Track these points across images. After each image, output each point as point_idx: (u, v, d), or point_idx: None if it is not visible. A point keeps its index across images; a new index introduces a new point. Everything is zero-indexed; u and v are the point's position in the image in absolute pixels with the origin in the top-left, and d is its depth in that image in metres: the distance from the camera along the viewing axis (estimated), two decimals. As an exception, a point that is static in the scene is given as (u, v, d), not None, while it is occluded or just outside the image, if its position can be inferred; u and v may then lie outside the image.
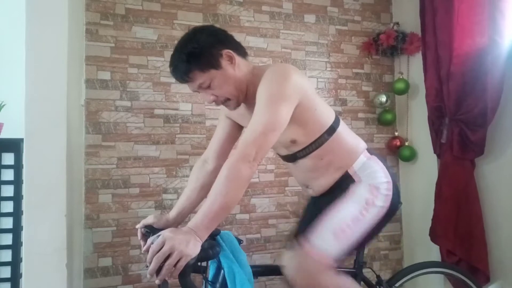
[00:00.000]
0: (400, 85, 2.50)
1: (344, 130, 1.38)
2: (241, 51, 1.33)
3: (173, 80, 2.22)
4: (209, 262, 1.29)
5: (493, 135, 2.06)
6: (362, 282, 1.52)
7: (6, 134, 2.13)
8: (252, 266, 1.27)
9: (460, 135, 2.11)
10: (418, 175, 2.55)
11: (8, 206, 2.02)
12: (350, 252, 1.28)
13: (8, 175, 2.04)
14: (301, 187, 1.51)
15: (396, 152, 2.62)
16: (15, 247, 2.00)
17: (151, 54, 2.20)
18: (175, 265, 0.94)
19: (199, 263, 1.08)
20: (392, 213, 1.35)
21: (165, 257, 0.94)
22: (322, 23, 2.57)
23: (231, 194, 1.07)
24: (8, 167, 2.04)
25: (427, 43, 2.28)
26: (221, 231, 1.29)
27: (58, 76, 1.61)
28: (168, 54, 2.22)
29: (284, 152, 1.40)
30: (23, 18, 1.56)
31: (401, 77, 2.54)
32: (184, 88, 2.24)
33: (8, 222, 2.01)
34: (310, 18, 2.54)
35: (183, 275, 0.98)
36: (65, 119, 1.62)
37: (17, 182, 2.03)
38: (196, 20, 2.27)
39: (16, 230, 2.01)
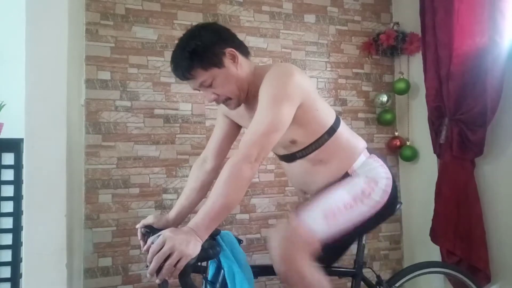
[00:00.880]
0: (401, 85, 2.50)
1: (345, 131, 1.37)
2: (244, 50, 1.32)
3: (173, 80, 2.25)
4: (209, 262, 1.29)
5: (493, 135, 2.06)
6: (362, 282, 1.52)
7: (6, 134, 2.14)
8: (252, 266, 1.27)
9: (460, 135, 2.11)
10: (418, 175, 2.55)
11: (8, 206, 2.03)
12: (336, 240, 1.24)
13: (8, 175, 2.04)
14: (298, 192, 1.50)
15: (396, 152, 2.62)
16: (15, 247, 2.00)
17: (151, 54, 2.20)
18: (175, 265, 0.94)
19: (199, 263, 1.08)
20: (388, 211, 1.34)
21: (165, 257, 0.94)
22: (322, 23, 2.57)
23: (232, 195, 1.07)
24: (8, 167, 2.05)
25: (427, 43, 2.28)
26: (221, 231, 1.29)
27: (58, 76, 1.61)
28: (168, 54, 2.24)
29: (283, 151, 1.39)
30: (23, 18, 1.56)
31: (401, 77, 2.54)
32: (184, 88, 2.24)
33: (8, 222, 2.02)
34: (310, 18, 2.54)
35: (183, 275, 0.98)
36: (65, 119, 1.62)
37: (17, 182, 2.03)
38: (196, 20, 2.26)
39: (16, 230, 2.01)
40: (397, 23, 2.60)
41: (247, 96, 1.31)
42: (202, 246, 1.01)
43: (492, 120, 2.00)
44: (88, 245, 2.03)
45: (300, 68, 2.45)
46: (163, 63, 2.21)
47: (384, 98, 2.54)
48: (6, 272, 2.00)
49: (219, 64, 1.23)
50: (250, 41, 2.38)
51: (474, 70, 2.03)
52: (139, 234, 1.37)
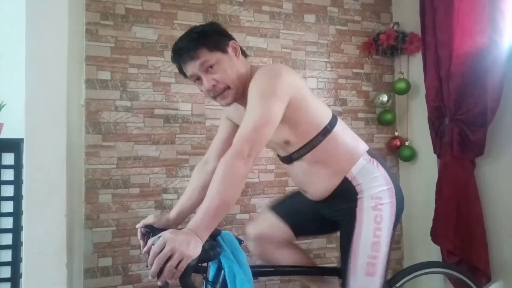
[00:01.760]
0: (401, 85, 2.50)
1: (342, 131, 1.35)
2: (243, 50, 1.36)
3: (173, 80, 2.25)
4: (210, 262, 1.29)
5: (493, 135, 2.06)
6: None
7: (6, 134, 2.13)
8: (252, 266, 1.27)
9: (460, 135, 2.11)
10: (418, 175, 2.55)
11: (8, 206, 2.03)
12: (386, 273, 1.31)
13: (8, 175, 2.04)
14: (300, 191, 1.50)
15: (396, 152, 2.62)
16: (15, 247, 2.00)
17: (151, 54, 2.20)
18: (176, 267, 0.94)
19: (199, 264, 1.08)
20: (399, 217, 1.36)
21: (166, 258, 0.93)
22: (322, 23, 2.57)
23: (228, 192, 1.06)
24: (8, 167, 2.04)
25: (427, 43, 2.28)
26: (222, 232, 1.29)
27: (58, 76, 1.61)
28: (168, 54, 2.22)
29: (282, 153, 1.40)
30: (23, 18, 1.56)
31: (401, 77, 2.54)
32: (184, 88, 2.24)
33: (8, 222, 2.02)
34: (310, 18, 2.54)
35: (184, 276, 0.98)
36: (65, 119, 1.62)
37: (17, 182, 2.03)
38: (196, 20, 2.26)
39: (16, 230, 2.01)
40: (397, 23, 2.60)
41: (243, 95, 1.31)
42: (203, 247, 1.00)
43: (492, 120, 2.00)
44: (88, 245, 2.03)
45: (300, 68, 2.48)
46: (163, 63, 2.21)
47: (384, 98, 2.54)
48: (6, 272, 2.00)
49: (223, 49, 1.26)
50: (250, 41, 2.38)
51: (474, 70, 2.03)
52: (139, 234, 1.37)
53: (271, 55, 2.43)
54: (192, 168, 2.16)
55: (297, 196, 1.55)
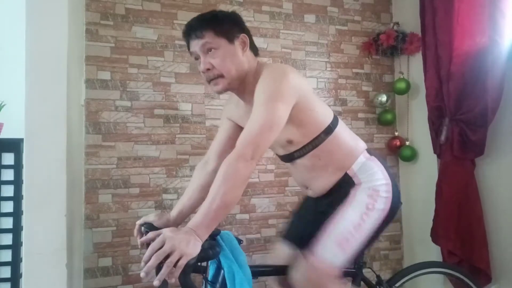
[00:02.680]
0: (401, 85, 2.50)
1: (343, 131, 1.37)
2: (254, 47, 1.36)
3: (173, 80, 2.25)
4: (209, 262, 1.29)
5: (493, 135, 2.06)
6: (362, 282, 1.52)
7: (6, 134, 2.14)
8: (252, 266, 1.27)
9: (460, 135, 2.11)
10: (418, 175, 2.55)
11: (8, 206, 2.02)
12: (355, 257, 1.30)
13: (8, 175, 2.04)
14: (301, 187, 1.51)
15: (396, 152, 2.62)
16: (15, 247, 2.00)
17: (151, 54, 2.20)
18: (175, 265, 0.94)
19: (199, 263, 1.08)
20: (392, 214, 1.35)
21: (165, 255, 0.93)
22: (322, 23, 2.57)
23: (229, 193, 1.07)
24: (8, 167, 2.04)
25: (427, 43, 2.28)
26: (221, 231, 1.29)
27: (58, 76, 1.61)
28: (168, 54, 2.24)
29: (282, 152, 1.41)
30: (23, 18, 1.56)
31: (401, 77, 2.54)
32: (184, 88, 2.25)
33: (8, 222, 2.02)
34: (310, 18, 2.54)
35: (183, 275, 0.98)
36: (65, 119, 1.62)
37: (17, 182, 2.03)
38: (196, 20, 2.26)
39: (16, 230, 2.01)
40: (397, 23, 2.60)
41: (246, 94, 1.31)
42: (202, 246, 1.00)
43: (492, 120, 2.00)
44: (88, 245, 2.03)
45: (300, 68, 2.48)
46: (163, 63, 2.21)
47: (384, 98, 2.54)
48: (6, 272, 2.00)
49: (230, 38, 1.26)
50: (250, 41, 2.38)
51: (474, 70, 2.03)
52: (136, 229, 1.37)
53: (271, 55, 2.43)
54: (192, 168, 2.16)
55: (300, 208, 1.57)
